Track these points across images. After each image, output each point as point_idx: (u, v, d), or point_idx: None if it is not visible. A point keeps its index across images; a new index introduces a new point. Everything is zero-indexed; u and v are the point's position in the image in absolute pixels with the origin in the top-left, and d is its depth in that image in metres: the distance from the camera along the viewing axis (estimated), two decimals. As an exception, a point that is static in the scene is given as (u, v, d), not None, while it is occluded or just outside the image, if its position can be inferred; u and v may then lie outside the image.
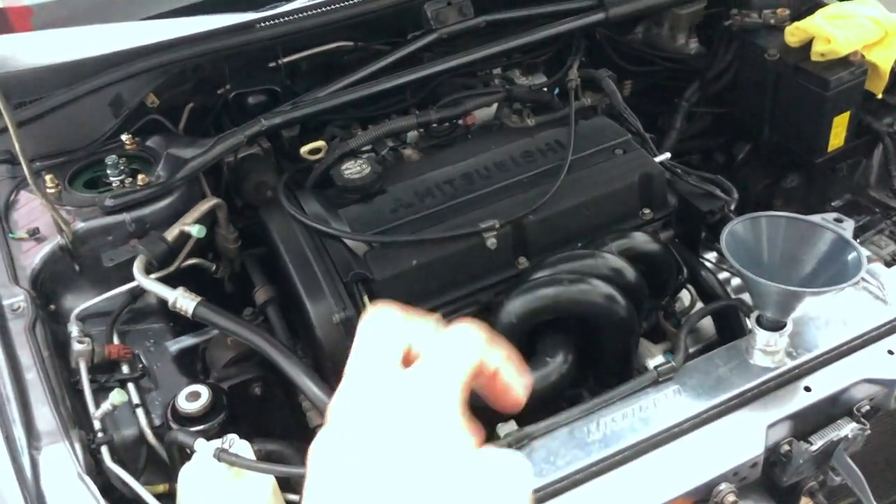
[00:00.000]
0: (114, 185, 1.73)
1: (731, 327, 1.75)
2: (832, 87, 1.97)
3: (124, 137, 1.85)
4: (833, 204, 2.23)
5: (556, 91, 2.12)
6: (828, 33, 1.94)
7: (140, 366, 1.62)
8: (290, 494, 1.44)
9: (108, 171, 1.74)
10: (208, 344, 1.71)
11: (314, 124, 1.99)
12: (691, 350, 1.83)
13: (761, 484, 1.45)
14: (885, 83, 2.05)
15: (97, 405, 1.47)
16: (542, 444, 1.36)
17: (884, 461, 1.70)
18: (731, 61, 2.21)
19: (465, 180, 1.75)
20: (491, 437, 1.51)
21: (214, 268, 1.81)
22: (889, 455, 1.67)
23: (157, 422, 1.55)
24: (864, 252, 1.43)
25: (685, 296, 1.90)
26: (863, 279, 1.57)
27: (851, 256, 1.39)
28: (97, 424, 1.44)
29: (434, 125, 1.92)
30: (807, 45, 2.01)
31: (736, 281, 1.98)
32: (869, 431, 1.42)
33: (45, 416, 1.37)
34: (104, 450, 1.41)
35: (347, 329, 1.51)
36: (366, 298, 1.54)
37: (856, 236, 2.10)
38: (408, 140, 1.98)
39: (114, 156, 1.75)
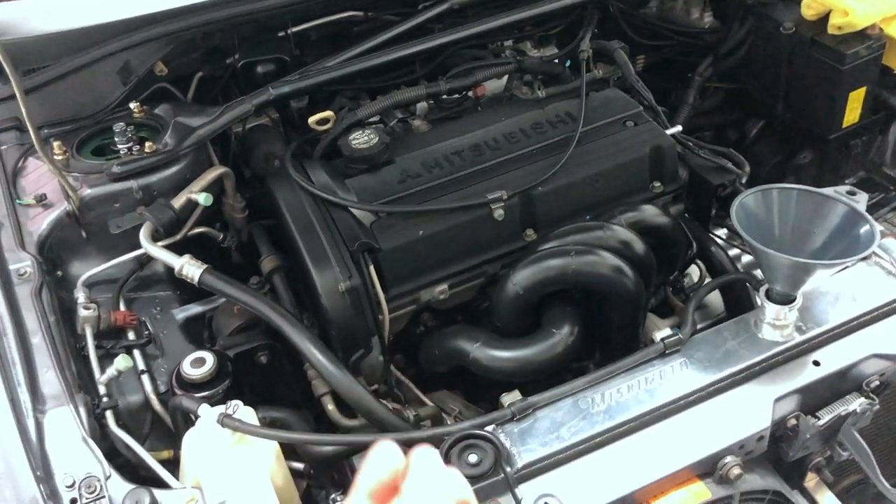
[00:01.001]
0: (121, 152, 1.73)
1: (740, 303, 1.73)
2: (848, 61, 1.94)
3: (133, 105, 1.84)
4: (846, 181, 2.20)
5: (568, 63, 2.09)
6: (845, 5, 1.91)
7: (146, 333, 1.62)
8: (293, 462, 1.45)
9: (116, 139, 1.73)
10: (215, 312, 1.71)
11: (323, 95, 1.98)
12: (700, 326, 1.82)
13: (767, 458, 1.44)
14: (903, 58, 2.02)
15: (102, 371, 1.47)
16: (545, 413, 1.35)
17: (894, 441, 1.69)
18: (746, 35, 2.18)
19: (473, 151, 1.74)
20: (492, 409, 1.52)
21: (222, 237, 1.80)
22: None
23: (162, 388, 1.55)
24: (878, 225, 1.41)
25: (694, 271, 1.89)
26: (875, 254, 1.55)
27: (864, 230, 1.37)
28: (102, 389, 1.45)
29: (443, 96, 1.90)
30: (824, 19, 1.98)
31: (747, 258, 1.96)
32: (878, 407, 1.40)
33: (50, 379, 1.37)
34: (109, 414, 1.42)
35: (353, 298, 1.50)
36: (371, 268, 1.53)
37: (869, 213, 2.09)
38: (417, 111, 1.96)
39: (121, 123, 1.75)
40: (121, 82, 1.88)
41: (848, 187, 1.45)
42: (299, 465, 1.48)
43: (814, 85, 2.03)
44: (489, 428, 1.32)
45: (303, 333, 1.46)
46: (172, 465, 1.44)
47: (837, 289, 1.51)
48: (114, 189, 1.67)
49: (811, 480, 1.51)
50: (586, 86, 1.84)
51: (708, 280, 1.86)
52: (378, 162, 1.71)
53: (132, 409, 1.53)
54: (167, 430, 1.52)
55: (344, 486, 1.48)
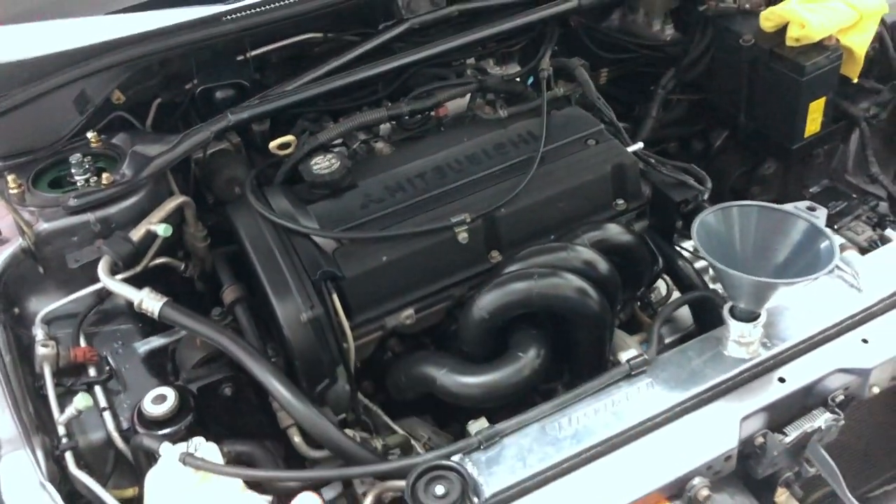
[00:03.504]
0: (79, 184, 1.70)
1: (709, 316, 1.73)
2: (807, 72, 1.95)
3: (90, 135, 1.81)
4: (811, 190, 2.22)
5: (531, 80, 2.09)
6: (802, 18, 1.92)
7: (107, 368, 1.60)
8: (260, 496, 1.42)
9: (73, 170, 1.70)
10: (178, 344, 1.68)
11: (286, 118, 1.96)
12: (669, 340, 1.82)
13: (737, 476, 1.44)
14: (860, 67, 2.04)
15: (62, 410, 1.44)
16: (512, 441, 1.34)
17: (861, 452, 1.70)
18: (707, 47, 2.19)
19: (436, 174, 1.73)
20: (462, 434, 1.50)
21: (183, 266, 1.78)
22: (866, 445, 1.66)
23: (125, 425, 1.52)
24: (837, 240, 1.42)
25: (662, 286, 1.89)
26: (837, 267, 1.56)
27: (824, 245, 1.37)
28: (62, 430, 1.42)
29: (405, 117, 1.89)
30: (782, 31, 1.99)
31: (714, 269, 1.97)
32: (843, 422, 1.40)
33: (5, 423, 1.35)
34: (68, 456, 1.39)
35: (316, 328, 1.48)
36: (335, 296, 1.51)
37: (833, 222, 2.11)
38: (380, 133, 1.95)
39: (78, 154, 1.72)
40: (77, 112, 1.84)
41: (808, 203, 1.46)
42: (267, 499, 1.46)
43: (774, 96, 2.04)
44: (456, 458, 1.31)
45: (264, 367, 1.44)
46: (138, 502, 1.41)
47: (801, 303, 1.52)
48: (70, 223, 1.64)
49: (781, 495, 1.50)
50: (548, 104, 1.83)
51: (676, 295, 1.86)
52: (340, 187, 1.70)
53: (94, 447, 1.50)
54: (131, 467, 1.50)
55: (313, 519, 1.47)
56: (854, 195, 2.18)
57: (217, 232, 1.83)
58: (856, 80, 2.07)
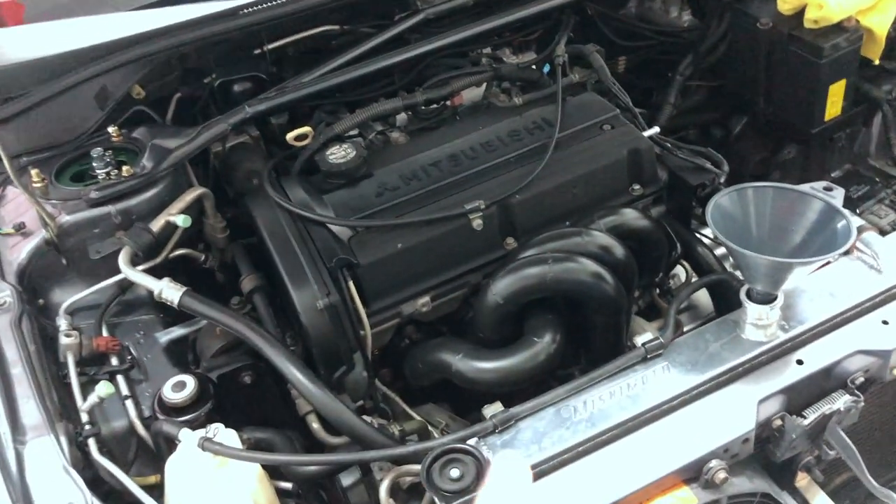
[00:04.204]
0: (100, 177, 1.73)
1: (728, 302, 1.72)
2: (826, 54, 1.93)
3: (111, 129, 1.84)
4: (832, 175, 2.20)
5: (547, 68, 2.09)
6: (820, -1, 1.90)
7: (129, 357, 1.62)
8: (278, 482, 1.44)
9: (94, 164, 1.74)
10: (198, 334, 1.70)
11: (303, 110, 1.98)
12: (689, 327, 1.81)
13: (756, 460, 1.42)
14: (881, 49, 2.01)
15: (85, 398, 1.47)
16: (527, 424, 1.34)
17: (885, 438, 1.67)
18: (725, 33, 2.17)
19: (451, 162, 1.73)
20: (478, 421, 1.51)
21: (203, 258, 1.80)
22: (889, 431, 1.64)
23: (146, 413, 1.55)
24: (855, 220, 1.40)
25: (681, 272, 1.88)
26: (857, 248, 1.54)
27: (841, 225, 1.35)
28: (84, 417, 1.44)
29: (421, 107, 1.89)
30: (800, 13, 1.97)
31: (734, 255, 1.95)
32: (863, 404, 1.38)
33: (30, 410, 1.37)
34: (91, 442, 1.41)
35: (332, 315, 1.49)
36: (351, 284, 1.52)
37: (856, 206, 2.08)
38: (396, 123, 1.96)
39: (99, 148, 1.75)
40: (98, 107, 1.87)
41: (825, 183, 1.44)
42: (287, 485, 1.47)
43: (793, 80, 2.02)
44: (471, 441, 1.31)
45: (282, 354, 1.46)
46: (160, 489, 1.43)
47: (820, 285, 1.50)
48: (92, 215, 1.67)
49: (802, 480, 1.49)
50: (563, 91, 1.83)
51: (694, 280, 1.85)
52: (356, 176, 1.71)
53: (117, 435, 1.52)
54: (154, 455, 1.52)
55: (332, 504, 1.48)
56: (877, 179, 2.15)
57: (236, 225, 1.85)
58: (877, 62, 2.04)
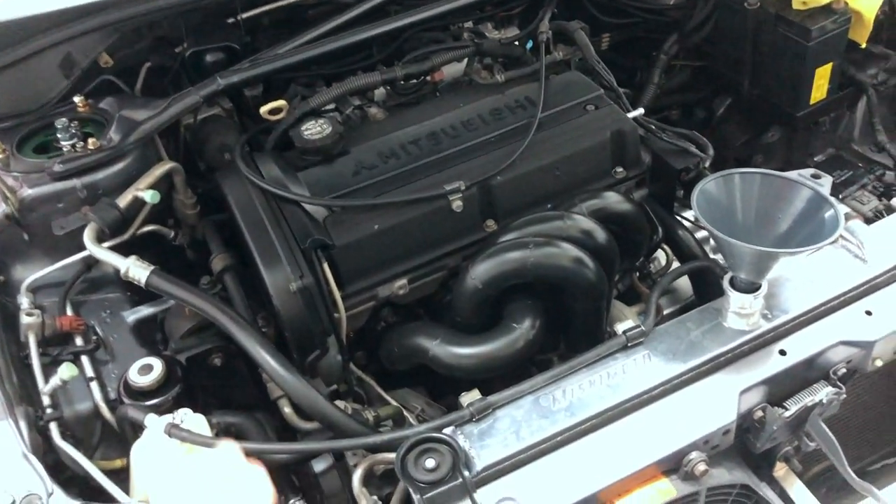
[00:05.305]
0: (65, 149, 1.65)
1: (708, 287, 1.69)
2: (814, 36, 1.89)
3: (77, 99, 1.76)
4: (815, 159, 2.17)
5: (530, 44, 2.04)
6: (810, -20, 1.86)
7: (95, 337, 1.56)
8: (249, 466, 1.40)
9: (59, 135, 1.66)
10: (167, 313, 1.65)
11: (278, 83, 1.91)
12: (668, 311, 1.79)
13: (736, 450, 1.41)
14: (868, 32, 1.98)
15: (47, 380, 1.41)
16: (505, 413, 1.31)
17: (861, 425, 1.67)
18: (711, 12, 2.12)
19: (431, 140, 1.68)
20: (456, 406, 1.48)
21: (173, 234, 1.74)
22: (865, 418, 1.63)
23: (112, 395, 1.49)
24: (842, 209, 1.37)
25: (661, 256, 1.85)
26: (842, 237, 1.52)
27: (829, 214, 1.33)
28: (46, 400, 1.39)
29: (400, 82, 1.84)
30: (789, -7, 1.93)
31: (715, 239, 1.92)
32: (845, 396, 1.37)
33: (-12, 393, 1.31)
34: (53, 426, 1.36)
35: (305, 297, 1.45)
36: (325, 266, 1.48)
37: (838, 191, 2.06)
38: (374, 98, 1.90)
39: (64, 119, 1.67)
40: (63, 75, 1.80)
41: (812, 170, 1.41)
42: (258, 468, 1.43)
43: (780, 61, 1.99)
44: (447, 430, 1.28)
45: (253, 337, 1.41)
46: (125, 473, 1.39)
47: (804, 274, 1.48)
48: (56, 189, 1.60)
49: (780, 470, 1.48)
50: (546, 69, 1.78)
51: (676, 265, 1.82)
52: (332, 153, 1.65)
53: (81, 418, 1.47)
54: (120, 438, 1.47)
55: (304, 491, 1.44)
56: (860, 164, 2.13)
57: (208, 199, 1.79)
58: (864, 46, 2.01)
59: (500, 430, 1.29)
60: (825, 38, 1.91)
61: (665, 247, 1.80)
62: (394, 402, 1.58)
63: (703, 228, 1.77)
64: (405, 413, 1.57)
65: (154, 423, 1.29)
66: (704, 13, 2.14)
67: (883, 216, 1.93)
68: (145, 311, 1.65)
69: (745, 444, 1.40)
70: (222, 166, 1.76)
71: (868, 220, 1.90)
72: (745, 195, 1.39)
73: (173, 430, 1.27)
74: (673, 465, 1.30)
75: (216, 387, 1.60)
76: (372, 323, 1.65)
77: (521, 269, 1.48)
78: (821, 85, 1.99)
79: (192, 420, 1.32)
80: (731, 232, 1.32)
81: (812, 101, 2.02)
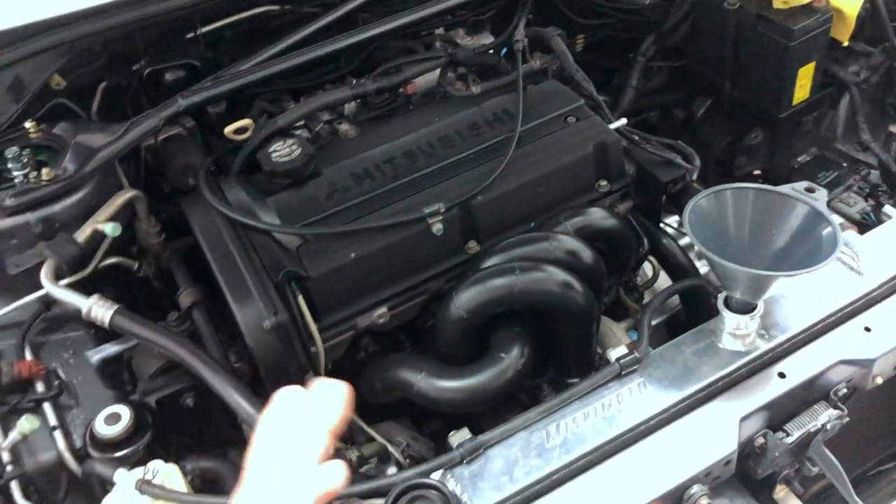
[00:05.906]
0: (16, 181, 1.55)
1: (699, 307, 1.64)
2: (796, 36, 1.84)
3: (28, 125, 1.66)
4: (799, 160, 2.13)
5: (504, 51, 1.96)
6: (790, -22, 1.81)
7: (57, 382, 1.46)
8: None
9: (10, 165, 1.56)
10: (134, 352, 1.55)
11: (243, 98, 1.82)
12: (655, 322, 1.73)
13: (735, 475, 1.35)
14: (850, 30, 1.94)
15: (6, 434, 1.32)
16: (497, 452, 1.24)
17: (857, 432, 1.62)
18: (689, 11, 2.06)
19: (406, 159, 1.61)
20: (441, 433, 1.41)
21: (137, 265, 1.65)
22: (861, 426, 1.58)
23: (78, 443, 1.40)
24: (838, 219, 1.32)
25: (647, 268, 1.79)
26: (837, 250, 1.46)
27: (826, 231, 1.27)
28: (6, 456, 1.30)
29: (371, 96, 1.76)
30: (769, -8, 1.87)
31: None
32: (847, 419, 1.32)
33: (-59, 453, 1.22)
34: (14, 485, 1.27)
35: (280, 334, 1.37)
36: (300, 299, 1.40)
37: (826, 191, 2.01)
38: (345, 112, 1.82)
39: (15, 147, 1.57)
40: (12, 100, 1.69)
41: (806, 183, 1.36)
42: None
43: (761, 62, 1.94)
44: (436, 474, 1.21)
45: (225, 380, 1.33)
46: (96, 527, 1.31)
47: (799, 290, 1.43)
48: (8, 224, 1.49)
49: (780, 492, 1.43)
50: (523, 78, 1.71)
51: (662, 276, 1.77)
52: (302, 176, 1.57)
53: (45, 469, 1.37)
54: (88, 491, 1.38)
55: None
56: (844, 163, 2.09)
57: (173, 224, 1.70)
58: (846, 44, 1.96)
59: (492, 472, 1.22)
60: (807, 37, 1.86)
61: (651, 259, 1.75)
62: (378, 437, 1.51)
63: (688, 237, 1.73)
64: (390, 448, 1.49)
65: (124, 480, 1.21)
66: (682, 13, 2.08)
67: (870, 218, 1.89)
68: (111, 349, 1.55)
69: (745, 470, 1.35)
70: (187, 189, 1.67)
71: (856, 223, 1.85)
72: (737, 212, 1.33)
73: (145, 487, 1.19)
74: (674, 500, 1.24)
75: (189, 427, 1.52)
76: (351, 353, 1.57)
77: (508, 296, 1.41)
78: (804, 84, 1.95)
79: (164, 472, 1.24)
80: (724, 250, 1.26)
81: (795, 102, 1.98)
